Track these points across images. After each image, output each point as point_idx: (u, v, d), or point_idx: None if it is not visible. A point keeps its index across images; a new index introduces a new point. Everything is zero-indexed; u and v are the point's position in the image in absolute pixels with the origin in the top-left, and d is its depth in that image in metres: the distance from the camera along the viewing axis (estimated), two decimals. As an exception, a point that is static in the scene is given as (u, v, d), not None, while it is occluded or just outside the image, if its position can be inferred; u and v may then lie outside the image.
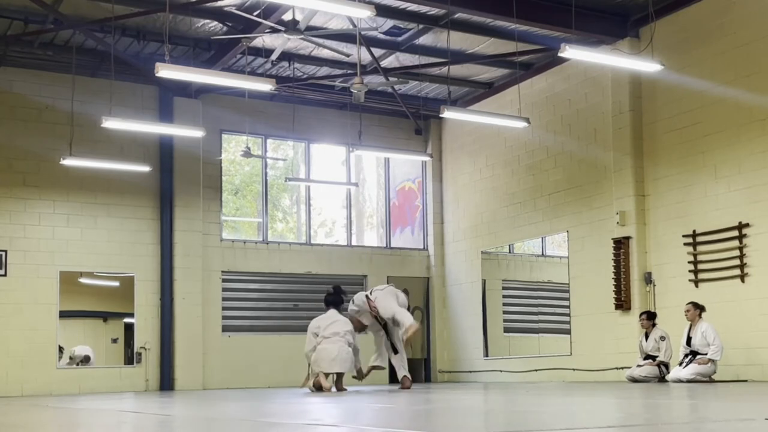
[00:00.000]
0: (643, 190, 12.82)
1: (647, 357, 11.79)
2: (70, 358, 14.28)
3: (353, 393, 9.35)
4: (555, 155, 14.43)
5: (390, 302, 11.09)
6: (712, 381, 10.93)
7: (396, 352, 11.49)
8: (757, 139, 11.29)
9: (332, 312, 10.74)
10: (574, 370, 13.80)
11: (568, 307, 14.10)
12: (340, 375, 10.55)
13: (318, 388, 10.39)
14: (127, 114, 13.64)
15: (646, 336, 11.88)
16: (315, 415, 5.30)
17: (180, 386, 14.47)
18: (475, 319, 16.11)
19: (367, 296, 11.30)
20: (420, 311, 16.98)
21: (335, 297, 10.99)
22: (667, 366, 11.65)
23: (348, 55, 13.09)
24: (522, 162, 15.11)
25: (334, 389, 10.43)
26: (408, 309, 11.43)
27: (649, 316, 11.90)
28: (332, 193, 17.13)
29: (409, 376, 11.42)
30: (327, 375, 10.43)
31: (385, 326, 11.40)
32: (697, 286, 11.96)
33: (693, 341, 11.28)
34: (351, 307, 11.37)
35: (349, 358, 10.41)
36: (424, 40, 13.66)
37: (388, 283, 16.61)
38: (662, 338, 11.68)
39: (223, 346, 15.11)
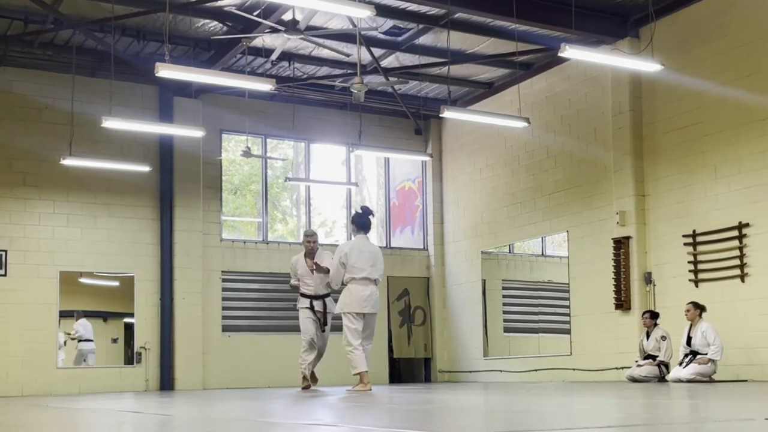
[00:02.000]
0: (643, 190, 12.82)
1: (647, 357, 11.79)
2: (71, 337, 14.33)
3: (353, 393, 9.33)
4: (555, 155, 14.43)
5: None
6: (712, 381, 10.93)
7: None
8: (757, 139, 11.29)
9: (361, 240, 9.87)
10: (574, 370, 13.80)
11: (568, 307, 14.10)
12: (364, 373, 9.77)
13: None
14: (127, 114, 13.63)
15: (647, 335, 11.89)
16: (315, 415, 5.30)
17: (180, 386, 14.47)
18: (475, 319, 16.11)
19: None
20: (421, 311, 16.98)
21: (364, 219, 9.97)
22: (667, 366, 11.66)
23: (348, 55, 13.09)
24: (522, 162, 15.11)
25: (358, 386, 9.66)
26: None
27: (652, 316, 11.89)
28: (332, 193, 17.13)
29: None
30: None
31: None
32: (697, 286, 11.96)
33: (693, 341, 11.28)
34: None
35: (378, 302, 9.86)
36: (424, 40, 13.66)
37: (387, 284, 16.67)
38: (663, 338, 11.68)
39: (223, 346, 15.11)
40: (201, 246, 14.98)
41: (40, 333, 13.84)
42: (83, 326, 14.56)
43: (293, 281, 10.98)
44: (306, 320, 10.76)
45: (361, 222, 9.95)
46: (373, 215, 10.27)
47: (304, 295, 10.84)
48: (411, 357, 16.95)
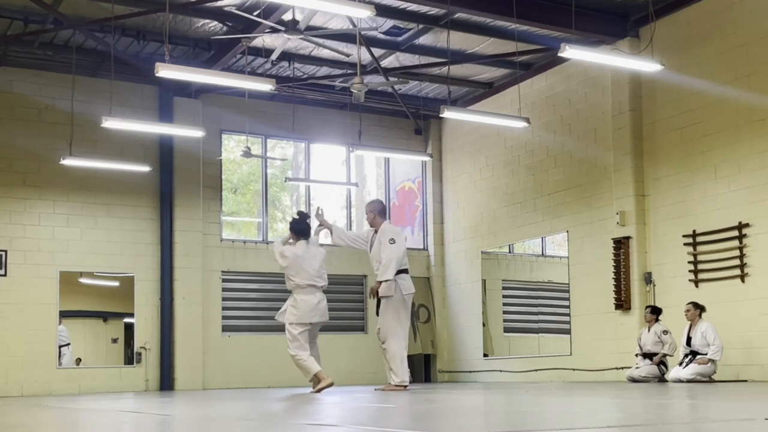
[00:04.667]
0: (643, 190, 12.82)
1: (646, 356, 11.78)
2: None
3: (353, 393, 9.33)
4: (555, 155, 14.43)
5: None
6: (712, 381, 10.94)
7: None
8: (757, 139, 11.29)
9: (302, 247, 9.89)
10: (574, 370, 13.80)
11: (568, 307, 14.10)
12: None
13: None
14: (127, 114, 13.64)
15: (648, 330, 11.84)
16: (315, 415, 5.30)
17: (180, 386, 14.47)
18: (475, 319, 16.11)
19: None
20: (425, 309, 16.95)
21: (302, 225, 10.02)
22: (666, 365, 11.65)
23: (348, 55, 13.09)
24: (522, 162, 15.11)
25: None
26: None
27: (653, 311, 11.88)
28: (332, 193, 17.13)
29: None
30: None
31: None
32: (697, 286, 11.96)
33: (693, 341, 11.28)
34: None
35: (326, 311, 9.94)
36: (424, 40, 13.66)
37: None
38: (665, 332, 11.64)
39: (223, 346, 15.11)
40: (201, 246, 14.98)
41: (40, 333, 13.84)
42: (62, 331, 14.37)
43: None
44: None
45: (299, 228, 10.01)
46: (310, 218, 10.24)
47: None
48: (419, 353, 16.85)
